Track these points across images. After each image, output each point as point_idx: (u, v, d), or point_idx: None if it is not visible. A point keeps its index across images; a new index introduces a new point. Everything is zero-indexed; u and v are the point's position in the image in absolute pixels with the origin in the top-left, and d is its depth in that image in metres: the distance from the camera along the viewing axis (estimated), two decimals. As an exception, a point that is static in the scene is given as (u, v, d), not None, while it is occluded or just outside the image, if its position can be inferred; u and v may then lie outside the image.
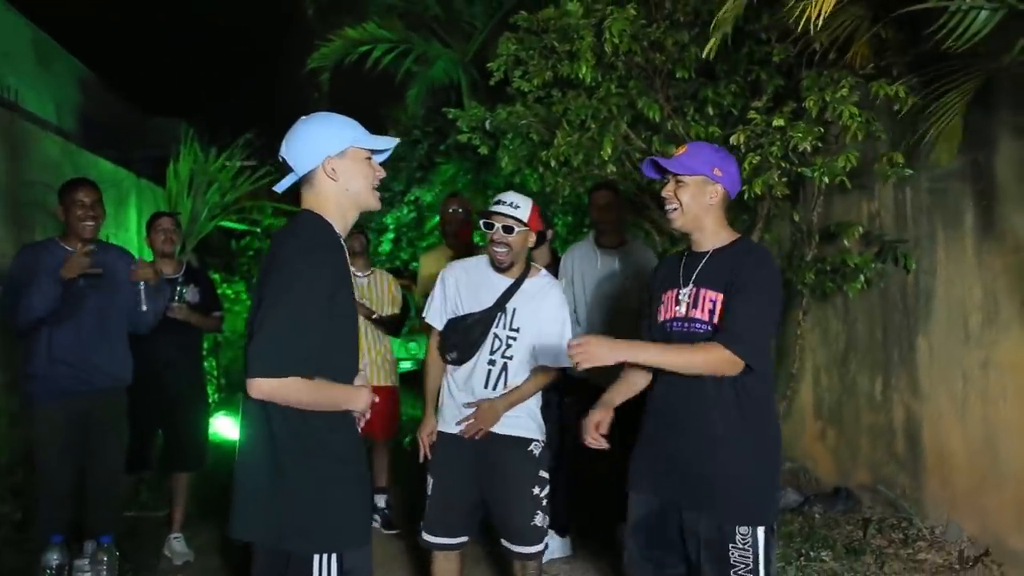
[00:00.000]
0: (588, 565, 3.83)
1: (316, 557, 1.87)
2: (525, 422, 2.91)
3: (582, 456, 3.90)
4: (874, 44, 3.20)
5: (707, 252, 2.29)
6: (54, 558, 2.55)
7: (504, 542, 2.93)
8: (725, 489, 2.18)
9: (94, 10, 10.54)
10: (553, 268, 4.09)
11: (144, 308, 3.50)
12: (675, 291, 2.32)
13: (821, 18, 2.19)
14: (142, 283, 3.49)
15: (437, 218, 9.74)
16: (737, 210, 4.27)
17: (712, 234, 2.29)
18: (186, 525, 4.20)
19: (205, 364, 7.71)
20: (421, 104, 10.03)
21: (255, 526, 1.92)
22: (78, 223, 3.37)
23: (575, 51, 3.61)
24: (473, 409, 2.88)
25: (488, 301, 2.89)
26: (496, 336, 2.89)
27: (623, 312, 3.67)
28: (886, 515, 3.98)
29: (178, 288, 4.04)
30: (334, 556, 1.88)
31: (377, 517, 4.40)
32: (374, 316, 4.44)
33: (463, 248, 4.32)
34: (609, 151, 3.57)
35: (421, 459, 2.98)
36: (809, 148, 3.25)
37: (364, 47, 9.25)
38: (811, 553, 3.64)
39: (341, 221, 2.00)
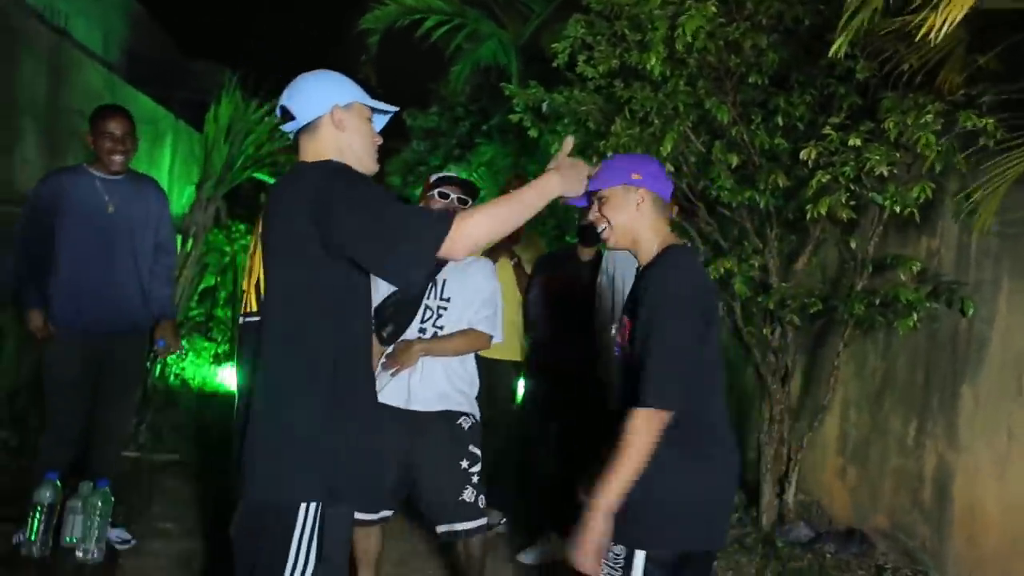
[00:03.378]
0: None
1: (302, 514, 1.82)
2: (454, 397, 2.95)
3: (572, 454, 3.82)
4: (967, 71, 3.02)
5: (640, 271, 2.11)
6: (47, 496, 2.45)
7: (441, 527, 2.91)
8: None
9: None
10: (595, 265, 3.96)
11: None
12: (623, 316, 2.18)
13: (946, 27, 2.01)
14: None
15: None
16: (785, 229, 4.11)
17: (647, 250, 2.09)
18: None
19: (220, 313, 7.67)
20: (465, 81, 9.89)
21: (257, 480, 1.86)
22: (106, 155, 3.25)
23: (647, 41, 3.45)
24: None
25: None
26: (427, 307, 2.98)
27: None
28: (901, 564, 3.83)
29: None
30: (318, 514, 1.83)
31: None
32: None
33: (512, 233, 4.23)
34: (669, 148, 3.41)
35: None
36: (885, 172, 3.08)
37: (417, 15, 9.12)
38: (821, 594, 3.50)
39: None
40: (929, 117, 2.96)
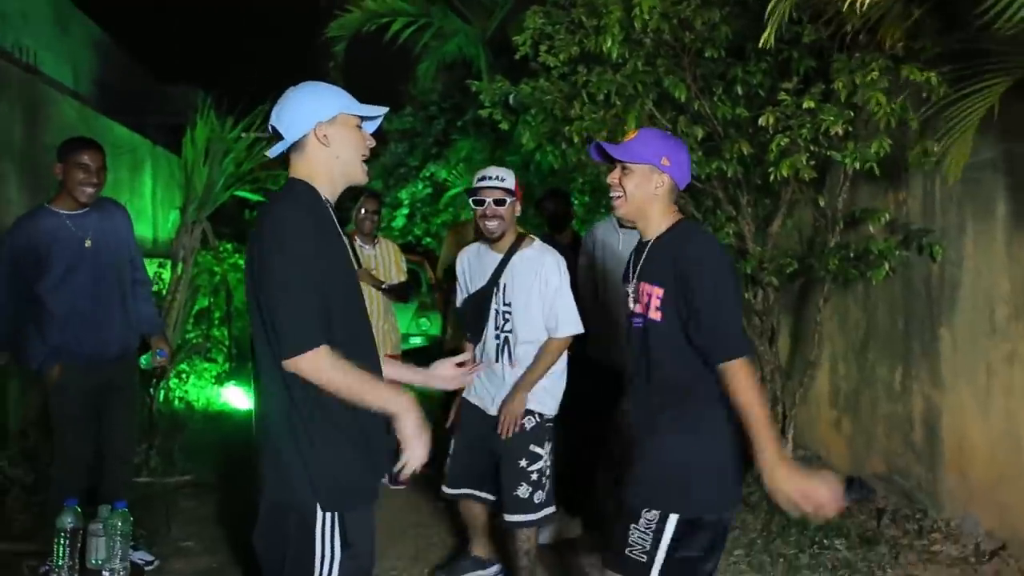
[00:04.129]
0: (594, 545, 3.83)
1: (320, 513, 1.90)
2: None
3: (588, 438, 3.93)
4: (907, 26, 3.11)
5: (648, 243, 2.23)
6: (69, 521, 2.54)
7: (504, 515, 3.06)
8: (643, 468, 2.16)
9: (111, -26, 10.42)
10: (574, 249, 4.06)
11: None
12: (627, 286, 2.29)
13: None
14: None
15: (450, 194, 9.71)
16: (759, 194, 4.21)
17: (656, 224, 2.21)
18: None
19: (217, 333, 7.75)
20: (436, 79, 9.95)
21: (272, 484, 1.96)
22: (77, 187, 3.24)
23: (602, 26, 3.54)
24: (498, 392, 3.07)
25: (486, 278, 3.09)
26: (496, 311, 3.06)
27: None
28: (900, 506, 3.95)
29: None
30: (336, 515, 1.91)
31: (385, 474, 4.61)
32: (384, 286, 4.45)
33: None
34: (633, 127, 3.51)
35: (447, 424, 3.26)
36: (840, 132, 3.18)
37: (383, 19, 9.16)
38: (824, 541, 3.61)
39: (330, 189, 1.99)
40: (875, 74, 3.06)
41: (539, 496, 3.02)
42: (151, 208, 8.24)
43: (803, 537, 3.65)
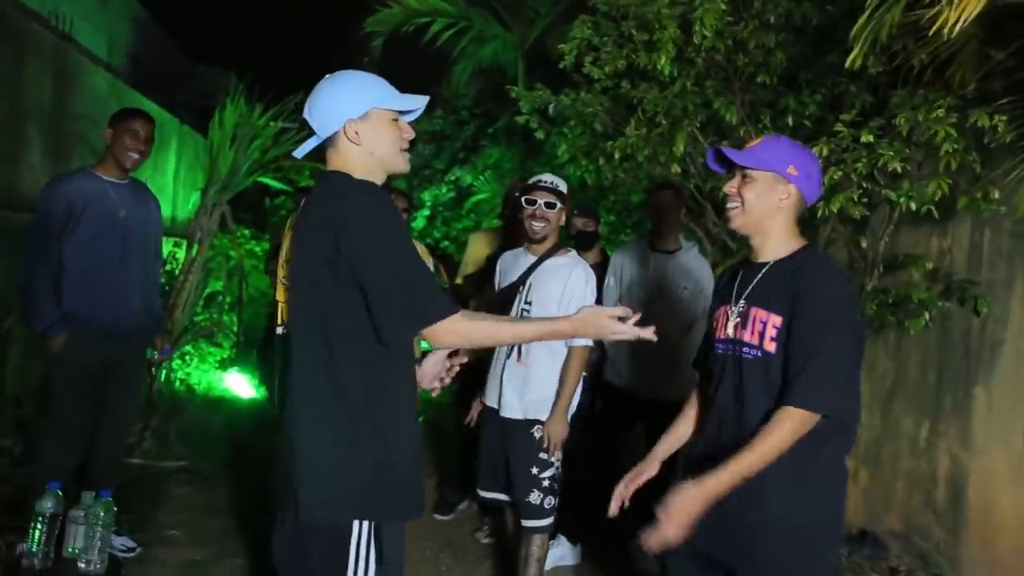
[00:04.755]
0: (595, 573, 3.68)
1: (356, 523, 1.79)
2: (534, 405, 3.04)
3: (596, 463, 3.78)
4: (979, 66, 2.97)
5: (766, 264, 1.96)
6: (48, 506, 2.41)
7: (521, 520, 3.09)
8: (757, 530, 1.88)
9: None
10: (602, 267, 3.93)
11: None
12: (726, 307, 2.03)
13: (960, 24, 1.97)
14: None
15: (474, 200, 9.62)
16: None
17: (776, 243, 1.95)
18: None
19: (226, 319, 7.65)
20: (470, 83, 9.87)
21: (306, 502, 1.81)
22: (124, 151, 3.28)
23: (654, 41, 3.41)
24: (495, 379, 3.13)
25: (517, 277, 3.15)
26: (518, 308, 3.11)
27: (675, 321, 3.49)
28: (915, 567, 3.77)
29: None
30: (373, 524, 1.80)
31: None
32: None
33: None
34: (681, 148, 3.38)
35: (467, 421, 3.37)
36: (899, 168, 3.03)
37: (423, 19, 9.10)
38: (835, 599, 3.44)
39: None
40: (941, 112, 2.91)
41: (549, 501, 3.05)
42: (172, 186, 8.17)
43: (814, 592, 3.48)
